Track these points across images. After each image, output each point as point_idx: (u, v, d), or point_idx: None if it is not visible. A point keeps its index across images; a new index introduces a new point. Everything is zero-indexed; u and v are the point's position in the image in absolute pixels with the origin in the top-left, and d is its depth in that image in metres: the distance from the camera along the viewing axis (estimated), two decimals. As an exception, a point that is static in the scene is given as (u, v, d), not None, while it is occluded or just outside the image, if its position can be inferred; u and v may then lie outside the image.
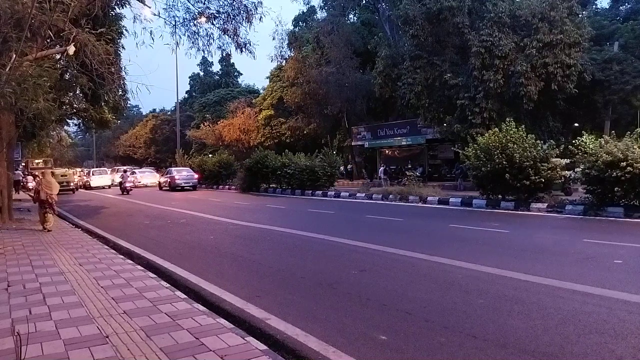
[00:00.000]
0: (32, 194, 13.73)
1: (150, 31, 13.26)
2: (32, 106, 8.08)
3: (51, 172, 13.68)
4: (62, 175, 20.68)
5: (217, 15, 13.93)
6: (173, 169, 32.00)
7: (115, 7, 13.81)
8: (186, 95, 67.86)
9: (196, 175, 30.34)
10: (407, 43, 25.77)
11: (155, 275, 6.10)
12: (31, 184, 32.16)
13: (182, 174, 29.94)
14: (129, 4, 13.44)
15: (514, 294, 5.05)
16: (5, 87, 6.79)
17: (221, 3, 13.89)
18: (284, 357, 3.50)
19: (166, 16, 14.03)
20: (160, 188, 31.64)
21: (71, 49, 8.96)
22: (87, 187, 36.22)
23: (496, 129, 14.57)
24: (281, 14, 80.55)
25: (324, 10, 37.93)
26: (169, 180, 29.90)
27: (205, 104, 53.53)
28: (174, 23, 14.03)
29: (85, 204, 21.36)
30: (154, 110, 73.42)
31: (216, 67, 65.31)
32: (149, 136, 62.26)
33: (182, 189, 28.72)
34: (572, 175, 15.35)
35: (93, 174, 38.12)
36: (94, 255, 7.50)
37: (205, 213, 14.67)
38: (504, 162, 13.39)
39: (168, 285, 5.56)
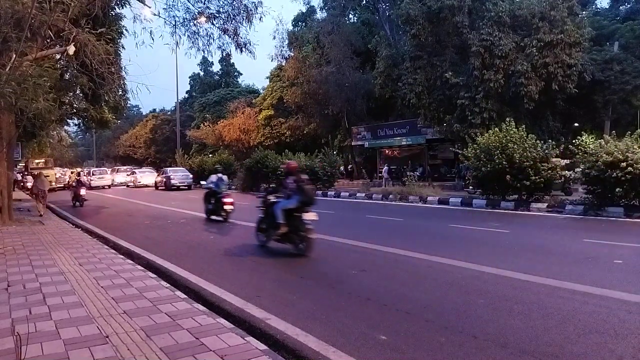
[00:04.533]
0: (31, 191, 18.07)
1: (150, 31, 13.20)
2: (32, 106, 8.07)
3: (39, 172, 18.24)
4: (45, 176, 23.03)
5: (217, 15, 13.93)
6: (169, 169, 32.68)
7: (115, 7, 13.81)
8: (186, 95, 67.85)
9: (191, 175, 30.83)
10: (407, 43, 25.79)
11: (155, 275, 6.10)
12: (30, 184, 32.26)
13: (177, 174, 30.66)
14: (129, 4, 13.45)
15: (514, 294, 5.05)
16: (5, 87, 6.78)
17: (221, 3, 13.89)
18: (284, 357, 3.50)
19: (166, 16, 14.02)
20: (157, 188, 31.87)
21: (71, 49, 8.96)
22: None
23: (496, 129, 14.57)
24: (281, 14, 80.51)
25: (323, 11, 37.95)
26: (165, 180, 30.33)
27: (205, 104, 53.51)
28: (174, 23, 14.03)
29: (86, 203, 21.34)
30: (154, 110, 73.40)
31: (216, 67, 65.37)
32: (149, 136, 62.24)
33: (178, 189, 29.14)
34: (572, 176, 15.36)
35: (93, 174, 38.22)
36: (94, 255, 7.50)
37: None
38: (504, 162, 13.40)
39: (168, 285, 5.55)
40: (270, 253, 8.10)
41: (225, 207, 12.30)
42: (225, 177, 13.74)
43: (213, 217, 12.81)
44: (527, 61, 19.69)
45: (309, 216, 7.16)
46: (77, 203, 18.55)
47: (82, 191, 18.69)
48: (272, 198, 7.95)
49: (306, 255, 7.22)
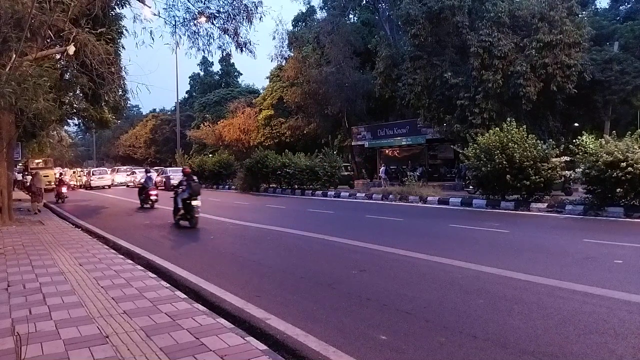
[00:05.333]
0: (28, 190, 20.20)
1: (150, 31, 13.23)
2: (32, 106, 8.07)
3: (36, 172, 20.34)
4: (44, 176, 25.93)
5: (217, 15, 13.96)
6: (169, 169, 32.65)
7: (115, 7, 13.82)
8: (186, 95, 67.85)
9: None
10: (407, 43, 25.79)
11: (155, 275, 6.10)
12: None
13: (177, 174, 30.59)
14: (129, 4, 13.46)
15: (514, 294, 5.05)
16: (5, 87, 6.78)
17: (221, 3, 13.94)
18: (284, 357, 3.50)
19: (166, 16, 14.09)
20: (156, 188, 31.85)
21: (71, 49, 8.95)
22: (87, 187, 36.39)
23: (497, 129, 14.57)
24: (281, 14, 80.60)
25: (323, 11, 37.96)
26: (164, 180, 30.34)
27: (205, 104, 53.49)
28: (174, 23, 14.07)
29: (86, 203, 21.36)
30: (154, 110, 73.47)
31: (216, 67, 65.34)
32: (149, 136, 62.26)
33: None
34: (572, 175, 15.35)
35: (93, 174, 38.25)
36: (94, 255, 7.50)
37: (205, 213, 14.62)
38: (504, 162, 13.40)
39: (168, 285, 5.56)
40: (271, 253, 8.11)
41: (151, 197, 17.50)
42: (153, 176, 20.01)
43: (144, 205, 17.58)
44: (526, 62, 19.67)
45: (195, 202, 11.21)
46: (60, 200, 21.37)
47: (63, 189, 22.00)
48: (179, 191, 11.70)
49: (195, 227, 11.06)
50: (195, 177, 12.17)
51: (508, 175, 13.31)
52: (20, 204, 19.09)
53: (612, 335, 3.81)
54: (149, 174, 19.26)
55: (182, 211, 11.54)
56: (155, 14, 13.05)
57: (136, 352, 3.46)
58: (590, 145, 12.37)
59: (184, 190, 11.48)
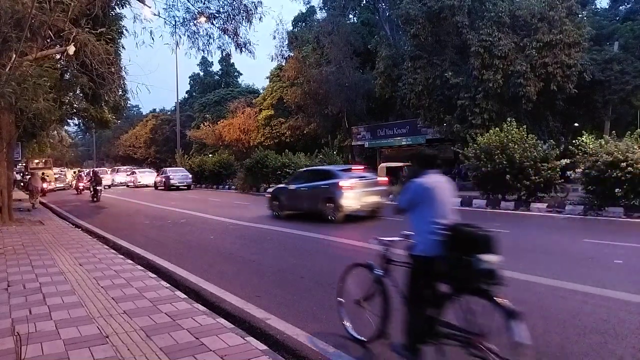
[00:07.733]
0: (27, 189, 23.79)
1: (150, 31, 13.23)
2: (32, 106, 8.07)
3: (34, 172, 24.38)
4: (45, 175, 29.75)
5: (217, 15, 13.91)
6: (168, 169, 32.80)
7: (115, 7, 13.79)
8: (186, 95, 67.81)
9: (191, 175, 30.99)
10: (407, 43, 25.80)
11: (155, 275, 6.11)
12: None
13: (177, 174, 30.78)
14: (129, 4, 13.43)
15: (514, 294, 5.03)
16: (5, 87, 6.78)
17: (221, 3, 13.88)
18: (284, 357, 3.50)
19: (166, 16, 14.07)
20: (156, 187, 31.98)
21: (71, 49, 8.95)
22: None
23: (497, 129, 14.56)
24: (281, 14, 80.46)
25: (323, 11, 37.95)
26: (164, 180, 30.41)
27: (205, 104, 53.48)
28: (174, 23, 14.02)
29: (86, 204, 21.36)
30: (154, 110, 73.40)
31: (216, 67, 65.32)
32: (149, 136, 62.22)
33: (178, 189, 29.26)
34: (573, 176, 15.34)
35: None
36: (94, 255, 7.50)
37: (205, 213, 14.67)
38: (504, 162, 13.40)
39: (168, 285, 5.56)
40: (271, 253, 8.11)
41: (79, 187, 29.25)
42: (83, 175, 31.63)
43: (77, 191, 29.22)
44: (526, 61, 19.66)
45: (99, 187, 21.89)
46: (42, 194, 24.42)
47: (44, 185, 25.27)
48: (92, 181, 22.42)
49: (99, 201, 21.22)
50: (99, 174, 23.78)
51: (508, 175, 13.31)
52: (20, 204, 19.10)
53: (612, 335, 3.81)
54: (80, 173, 32.69)
55: (92, 193, 21.75)
56: (155, 14, 13.02)
57: (136, 352, 3.47)
58: (590, 146, 12.36)
59: (93, 181, 22.06)
